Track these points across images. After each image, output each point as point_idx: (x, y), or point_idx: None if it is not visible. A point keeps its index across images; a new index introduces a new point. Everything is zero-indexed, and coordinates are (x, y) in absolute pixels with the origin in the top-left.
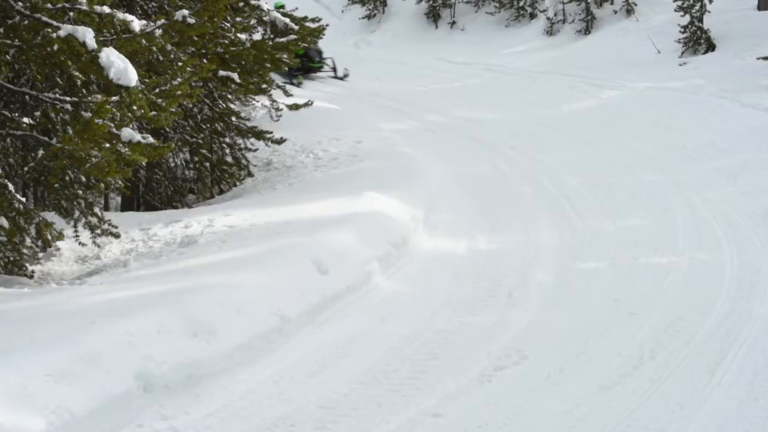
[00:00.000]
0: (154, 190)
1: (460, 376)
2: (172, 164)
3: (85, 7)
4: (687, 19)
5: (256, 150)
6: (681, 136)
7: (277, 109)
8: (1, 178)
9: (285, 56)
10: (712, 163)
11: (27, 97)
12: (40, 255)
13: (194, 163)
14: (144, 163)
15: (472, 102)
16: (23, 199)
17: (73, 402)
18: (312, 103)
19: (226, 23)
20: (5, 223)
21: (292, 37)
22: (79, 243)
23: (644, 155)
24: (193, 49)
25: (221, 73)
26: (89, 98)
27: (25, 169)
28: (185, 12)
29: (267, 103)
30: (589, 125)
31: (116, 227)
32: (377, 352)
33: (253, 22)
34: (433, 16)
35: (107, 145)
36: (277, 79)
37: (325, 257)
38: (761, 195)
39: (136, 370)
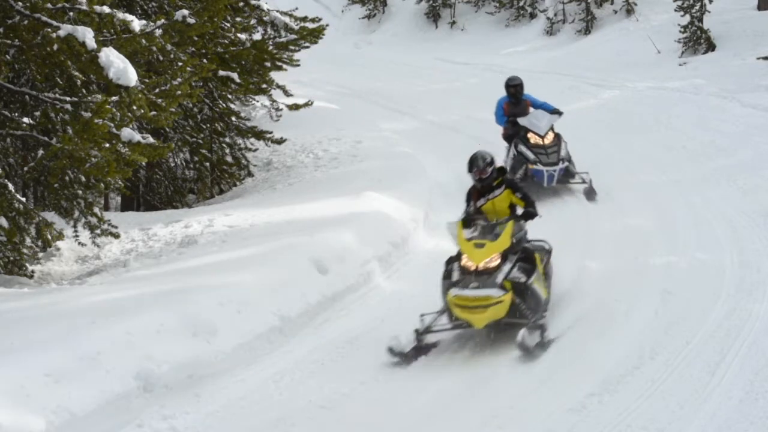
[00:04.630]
0: (154, 190)
1: (461, 377)
2: (172, 164)
3: (85, 7)
4: (687, 19)
5: (256, 150)
6: (681, 135)
7: (277, 109)
8: (1, 178)
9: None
10: (712, 163)
11: (27, 97)
12: (40, 255)
13: (194, 163)
14: (144, 163)
15: (472, 102)
16: (23, 199)
17: (73, 402)
18: (312, 103)
19: (226, 23)
20: (5, 223)
21: (292, 37)
22: (79, 243)
23: (644, 155)
24: (193, 49)
25: (221, 73)
26: (89, 98)
27: (25, 169)
28: (185, 12)
29: (267, 103)
30: (589, 125)
31: (116, 227)
32: (377, 352)
33: (253, 22)
34: (433, 16)
35: (107, 145)
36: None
37: (325, 257)
38: (761, 195)
39: (136, 370)
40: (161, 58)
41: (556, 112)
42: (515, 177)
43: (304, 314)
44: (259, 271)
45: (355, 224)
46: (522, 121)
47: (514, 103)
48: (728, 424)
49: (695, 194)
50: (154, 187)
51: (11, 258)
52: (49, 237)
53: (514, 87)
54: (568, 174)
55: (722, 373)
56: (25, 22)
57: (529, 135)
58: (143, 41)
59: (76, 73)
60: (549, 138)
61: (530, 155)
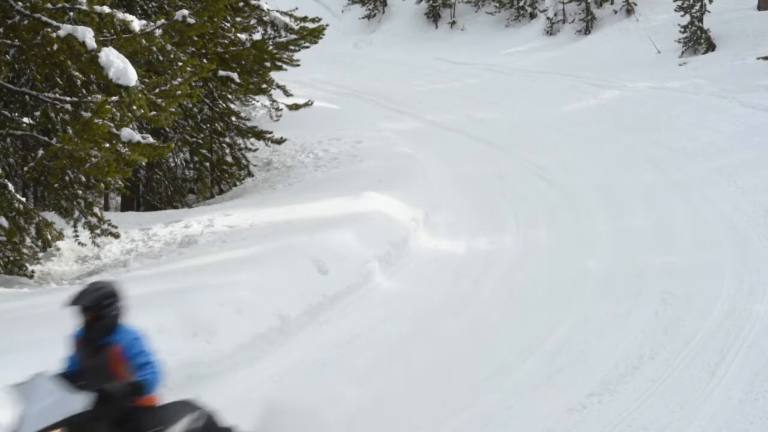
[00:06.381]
0: (154, 190)
1: (464, 376)
2: (172, 164)
3: (85, 7)
4: (687, 19)
5: (256, 150)
6: (681, 136)
7: (277, 109)
8: (1, 178)
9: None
10: (712, 163)
11: (27, 97)
12: (40, 255)
13: (194, 163)
14: (144, 163)
15: (472, 102)
16: (23, 199)
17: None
18: (312, 103)
19: (226, 23)
20: (5, 223)
21: (292, 37)
22: (79, 243)
23: (645, 155)
24: (193, 49)
25: (221, 73)
26: (89, 98)
27: (25, 169)
28: (185, 12)
29: (267, 103)
30: (589, 125)
31: (116, 227)
32: (378, 352)
33: (253, 22)
34: (433, 16)
35: (107, 145)
36: None
37: (325, 257)
38: (761, 195)
39: None
40: (161, 58)
41: (116, 396)
42: None
43: (304, 314)
44: (259, 271)
45: (355, 224)
46: (19, 397)
47: (87, 345)
48: (728, 424)
49: (695, 194)
50: (154, 187)
51: (11, 258)
52: (49, 237)
53: (87, 311)
54: None
55: (722, 373)
56: (25, 22)
57: None
58: (143, 41)
59: (76, 73)
60: None
61: None
